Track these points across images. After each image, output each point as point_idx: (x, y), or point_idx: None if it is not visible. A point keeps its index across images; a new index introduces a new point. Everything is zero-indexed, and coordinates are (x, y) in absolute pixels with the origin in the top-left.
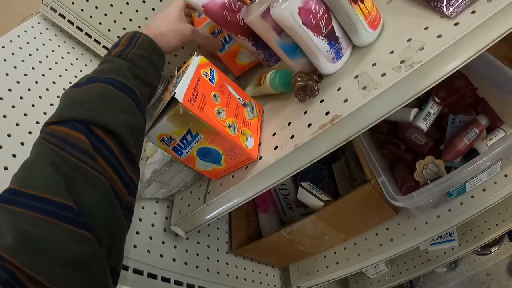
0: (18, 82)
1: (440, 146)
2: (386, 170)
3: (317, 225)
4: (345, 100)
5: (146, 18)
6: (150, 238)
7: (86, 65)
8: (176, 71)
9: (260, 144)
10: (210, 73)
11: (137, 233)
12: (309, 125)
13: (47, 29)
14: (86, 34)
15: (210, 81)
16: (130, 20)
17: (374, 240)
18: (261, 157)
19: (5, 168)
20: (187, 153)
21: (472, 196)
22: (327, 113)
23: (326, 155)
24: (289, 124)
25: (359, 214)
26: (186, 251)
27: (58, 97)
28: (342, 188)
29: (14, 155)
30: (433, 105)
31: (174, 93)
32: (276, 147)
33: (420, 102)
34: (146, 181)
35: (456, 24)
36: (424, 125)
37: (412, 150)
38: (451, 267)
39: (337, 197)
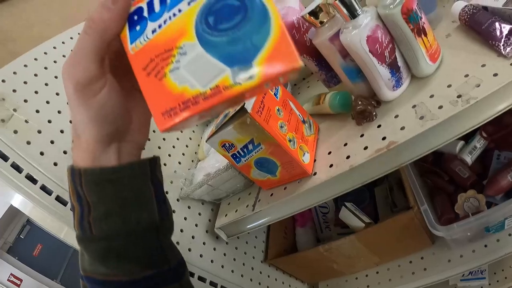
0: None
1: (483, 181)
2: (426, 198)
3: (355, 246)
4: (402, 128)
5: None
6: (193, 237)
7: None
8: None
9: (315, 160)
10: (275, 88)
11: (181, 231)
12: (366, 147)
13: None
14: None
15: (275, 95)
16: None
17: (408, 267)
18: (315, 173)
19: None
20: (245, 161)
21: (510, 234)
22: (383, 138)
23: None
24: (345, 144)
25: (397, 240)
26: (224, 254)
27: None
28: (382, 212)
29: None
30: (479, 140)
31: (244, 104)
32: (331, 165)
33: (467, 135)
34: (198, 183)
35: None
36: (469, 159)
37: (455, 182)
38: None
39: (376, 221)
